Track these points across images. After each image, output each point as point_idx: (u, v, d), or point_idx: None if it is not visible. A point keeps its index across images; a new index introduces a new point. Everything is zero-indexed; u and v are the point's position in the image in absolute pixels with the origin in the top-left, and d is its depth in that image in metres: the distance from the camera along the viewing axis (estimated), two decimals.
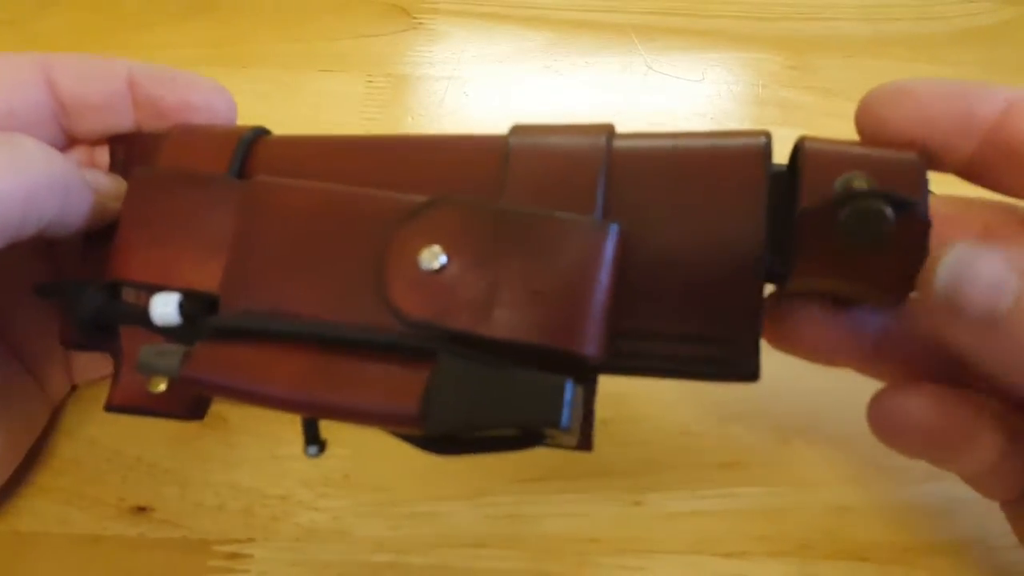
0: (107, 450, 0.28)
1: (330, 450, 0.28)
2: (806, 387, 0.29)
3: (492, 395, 0.18)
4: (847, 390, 0.29)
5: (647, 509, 0.27)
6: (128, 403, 0.23)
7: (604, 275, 0.19)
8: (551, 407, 0.18)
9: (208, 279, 0.21)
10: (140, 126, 0.26)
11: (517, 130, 0.22)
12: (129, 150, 0.26)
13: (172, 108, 0.25)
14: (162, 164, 0.24)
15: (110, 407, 0.23)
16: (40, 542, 0.26)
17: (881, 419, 0.22)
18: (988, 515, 0.26)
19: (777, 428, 0.28)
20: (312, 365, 0.19)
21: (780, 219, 0.20)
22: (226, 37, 0.39)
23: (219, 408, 0.29)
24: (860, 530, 0.26)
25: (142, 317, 0.21)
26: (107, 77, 0.25)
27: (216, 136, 0.24)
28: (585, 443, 0.20)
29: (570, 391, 0.18)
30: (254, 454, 0.28)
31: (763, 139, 0.20)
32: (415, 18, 0.40)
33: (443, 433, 0.19)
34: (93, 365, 0.28)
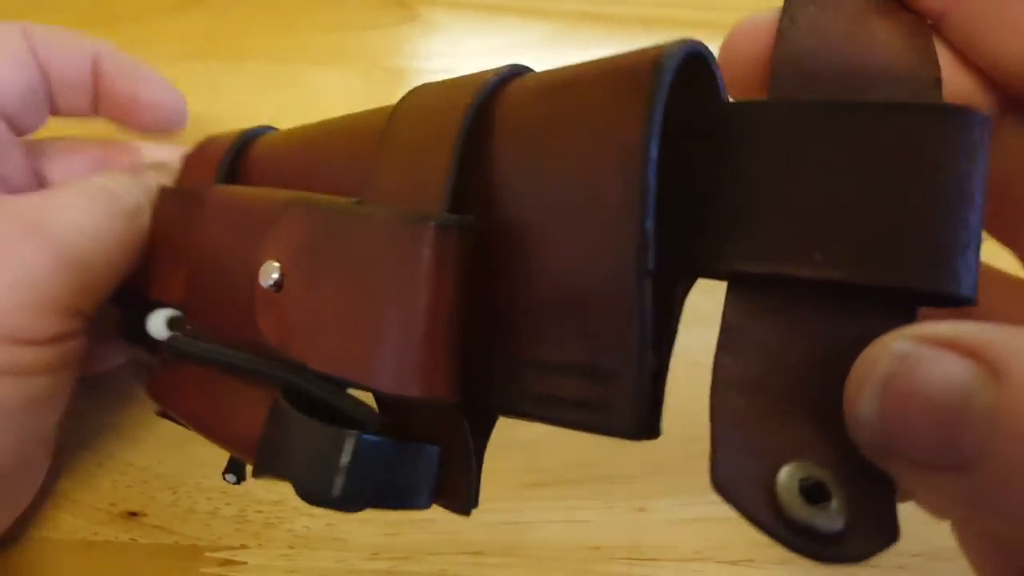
0: (98, 454, 0.28)
1: None
2: None
3: (288, 442, 0.16)
4: None
5: (651, 516, 0.26)
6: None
7: (423, 293, 0.14)
8: (322, 474, 0.14)
9: (177, 294, 0.22)
10: (97, 111, 0.26)
11: (416, 89, 0.18)
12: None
13: (122, 99, 0.26)
14: (180, 178, 0.24)
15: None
16: (31, 547, 0.26)
17: None
18: None
19: None
20: (213, 386, 0.19)
21: (699, 174, 0.15)
22: (219, 30, 0.38)
23: None
24: None
25: (144, 335, 0.22)
26: (80, 55, 0.26)
27: (215, 146, 0.24)
28: (461, 499, 0.16)
29: (348, 454, 0.14)
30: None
31: (669, 49, 0.13)
32: (412, 10, 0.39)
33: (265, 476, 0.16)
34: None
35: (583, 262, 0.14)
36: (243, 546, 0.26)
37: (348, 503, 0.15)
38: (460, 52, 0.38)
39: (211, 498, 0.27)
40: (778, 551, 0.25)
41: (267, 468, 0.16)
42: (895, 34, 0.15)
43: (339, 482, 0.14)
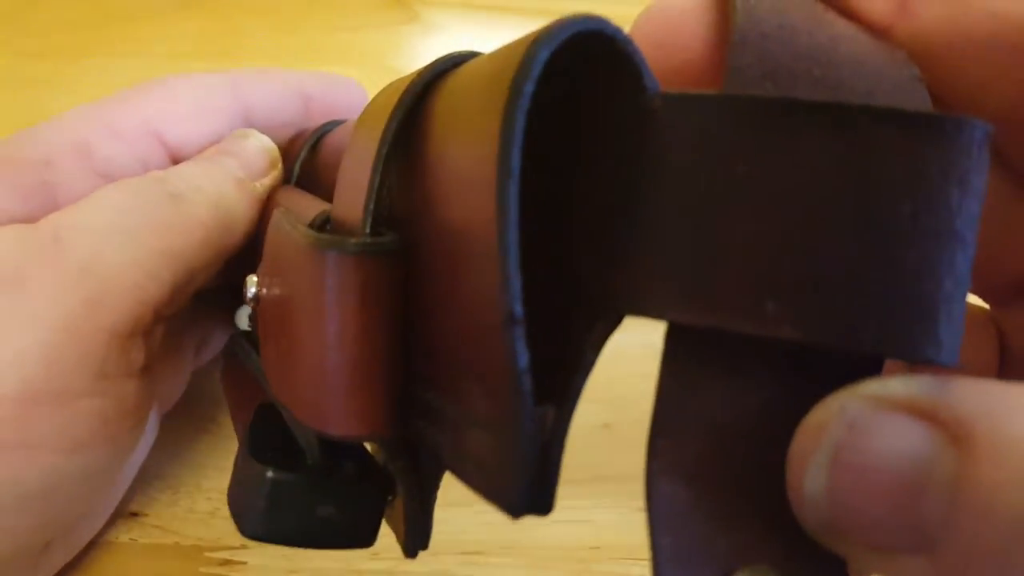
0: None
1: None
2: None
3: (239, 479, 0.16)
4: None
5: None
6: None
7: (331, 325, 0.13)
8: (247, 509, 0.15)
9: None
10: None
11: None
12: None
13: (343, 113, 0.24)
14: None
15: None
16: None
17: None
18: None
19: None
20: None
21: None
22: (218, 30, 0.38)
23: (212, 412, 0.28)
24: None
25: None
26: (288, 94, 0.25)
27: (295, 143, 0.23)
28: (413, 541, 0.15)
29: (264, 493, 0.14)
30: None
31: (544, 35, 0.11)
32: (413, 11, 0.39)
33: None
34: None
35: (459, 301, 0.12)
36: (243, 546, 0.26)
37: (273, 540, 0.14)
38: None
39: (211, 498, 0.27)
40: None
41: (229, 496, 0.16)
42: (857, 29, 0.13)
43: (257, 519, 0.14)
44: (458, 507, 0.26)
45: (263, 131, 0.24)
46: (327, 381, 0.13)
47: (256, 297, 0.16)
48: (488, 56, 0.12)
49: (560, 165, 0.13)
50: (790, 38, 0.12)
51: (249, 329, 0.20)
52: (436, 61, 0.14)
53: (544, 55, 0.11)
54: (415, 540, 0.15)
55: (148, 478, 0.27)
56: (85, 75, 0.37)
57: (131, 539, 0.26)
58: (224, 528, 0.26)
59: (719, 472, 0.11)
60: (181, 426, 0.27)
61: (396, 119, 0.14)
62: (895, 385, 0.10)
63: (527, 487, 0.11)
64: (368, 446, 0.17)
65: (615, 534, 0.26)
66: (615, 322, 0.12)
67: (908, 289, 0.10)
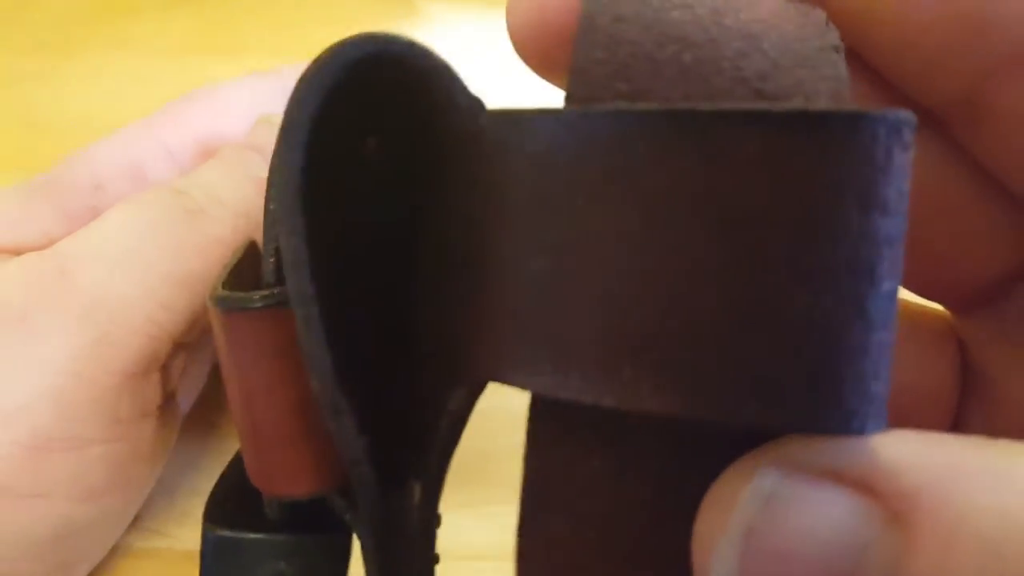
0: None
1: None
2: None
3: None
4: None
5: None
6: None
7: (244, 382, 0.12)
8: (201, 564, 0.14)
9: None
10: None
11: None
12: None
13: None
14: None
15: None
16: None
17: None
18: None
19: None
20: None
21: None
22: (215, 24, 0.38)
23: (208, 414, 0.28)
24: None
25: None
26: None
27: None
28: None
29: (208, 551, 0.14)
30: None
31: (310, 73, 0.10)
32: (412, 5, 0.39)
33: None
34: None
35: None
36: None
37: None
38: (460, 47, 0.38)
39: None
40: None
41: None
42: None
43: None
44: (458, 509, 0.26)
45: None
46: (259, 440, 0.13)
47: None
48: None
49: (410, 213, 0.11)
50: (656, 16, 0.09)
51: None
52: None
53: (304, 118, 0.09)
54: None
55: None
56: (80, 71, 0.36)
57: (126, 543, 0.26)
58: None
59: (604, 569, 0.09)
60: (180, 430, 0.26)
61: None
62: (821, 447, 0.08)
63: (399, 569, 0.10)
64: None
65: None
66: (477, 389, 0.11)
67: (796, 347, 0.08)
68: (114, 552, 0.25)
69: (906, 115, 0.08)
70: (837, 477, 0.08)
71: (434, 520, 0.11)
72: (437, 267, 0.11)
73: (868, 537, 0.08)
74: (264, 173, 0.20)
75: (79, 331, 0.17)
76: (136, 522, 0.26)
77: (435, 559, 0.11)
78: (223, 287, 0.13)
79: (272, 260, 0.12)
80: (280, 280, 0.12)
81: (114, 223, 0.19)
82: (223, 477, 0.16)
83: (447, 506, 0.27)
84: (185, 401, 0.24)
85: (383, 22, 0.38)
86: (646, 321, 0.08)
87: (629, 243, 0.08)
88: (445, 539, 0.26)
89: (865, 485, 0.08)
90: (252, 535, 0.14)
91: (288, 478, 0.13)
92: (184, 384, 0.23)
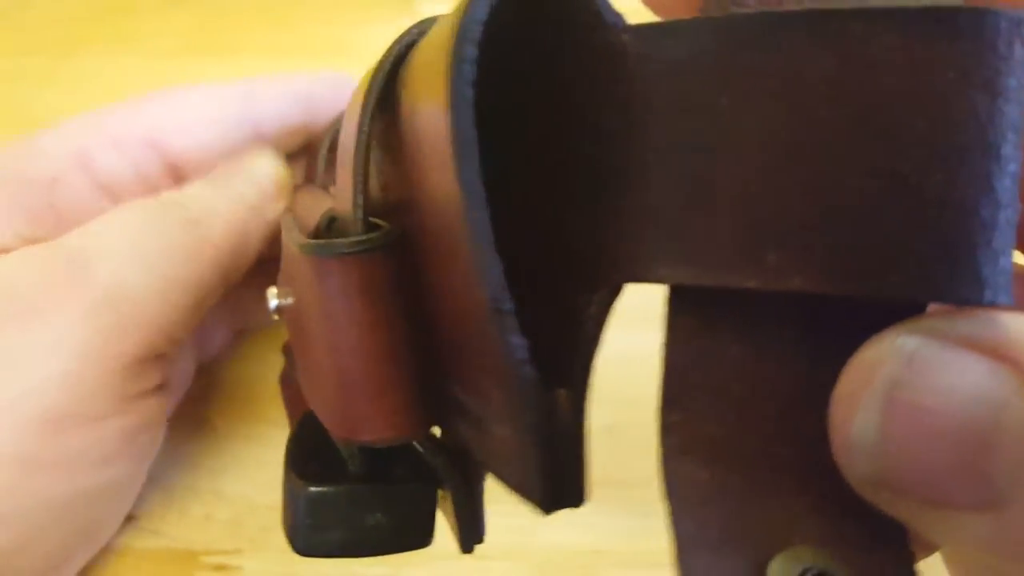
0: None
1: None
2: None
3: (285, 495, 0.16)
4: None
5: (658, 521, 0.25)
6: None
7: (337, 329, 0.13)
8: (291, 527, 0.15)
9: None
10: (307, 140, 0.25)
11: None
12: None
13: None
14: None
15: None
16: None
17: None
18: None
19: None
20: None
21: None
22: (213, 24, 0.38)
23: (207, 413, 0.28)
24: None
25: None
26: (295, 100, 0.24)
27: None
28: (468, 537, 0.15)
29: (302, 508, 0.14)
30: (243, 461, 0.27)
31: None
32: (410, 4, 0.39)
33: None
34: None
35: (450, 290, 0.11)
36: (238, 550, 0.25)
37: (324, 554, 0.14)
38: None
39: (206, 502, 0.26)
40: None
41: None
42: None
43: (303, 535, 0.14)
44: None
45: (272, 139, 0.24)
46: (345, 387, 0.13)
47: (278, 308, 0.16)
48: (441, 19, 0.11)
49: (543, 127, 0.12)
50: None
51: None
52: (403, 34, 0.13)
53: (481, 13, 0.10)
54: (468, 535, 0.15)
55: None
56: (79, 70, 0.36)
57: (125, 543, 0.25)
58: (219, 532, 0.26)
59: (742, 446, 0.10)
60: (176, 428, 0.26)
61: (371, 102, 0.13)
62: (960, 321, 0.09)
63: (550, 479, 0.11)
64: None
65: (618, 539, 0.25)
66: (615, 292, 0.11)
67: (934, 221, 0.09)
68: (113, 551, 0.25)
69: (1020, 11, 0.08)
70: (974, 345, 0.09)
71: (583, 427, 0.11)
72: (574, 180, 0.11)
73: (1004, 399, 0.08)
74: (253, 200, 0.22)
75: (93, 318, 0.19)
76: (133, 521, 0.26)
77: (584, 466, 0.11)
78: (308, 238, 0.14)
79: (360, 205, 0.13)
80: (369, 227, 0.13)
81: (121, 224, 0.20)
82: (296, 438, 0.17)
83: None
84: (174, 390, 0.25)
85: (381, 22, 0.38)
86: (791, 207, 0.09)
87: (773, 135, 0.09)
88: (445, 540, 0.26)
89: (1000, 353, 0.08)
90: (347, 487, 0.15)
91: (375, 424, 0.13)
92: (174, 375, 0.24)
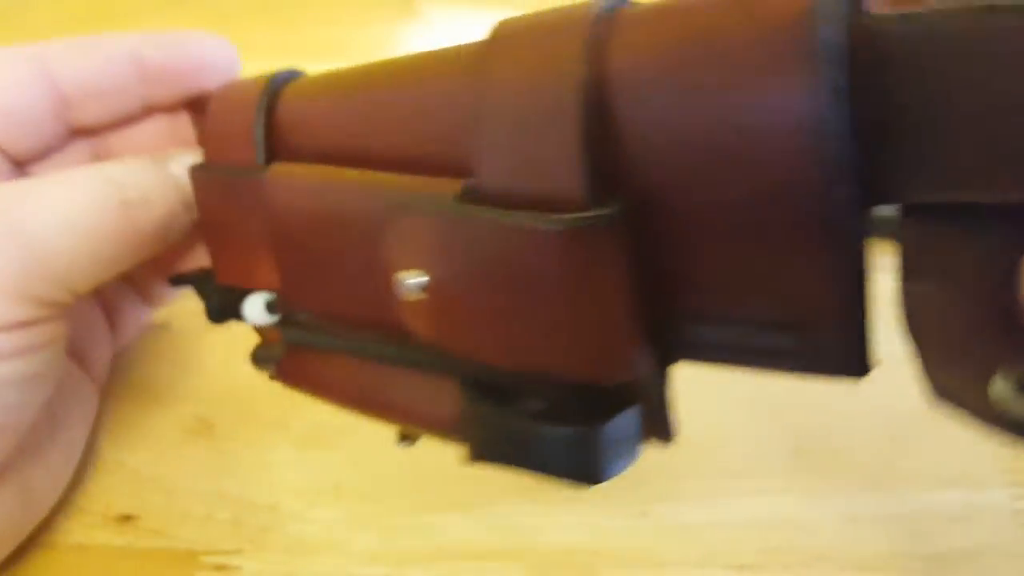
0: (92, 457, 0.27)
1: (322, 457, 0.27)
2: (817, 393, 0.28)
3: (518, 441, 0.17)
4: (860, 398, 0.28)
5: (654, 520, 0.26)
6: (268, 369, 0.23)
7: (592, 292, 0.14)
8: (580, 466, 0.16)
9: (269, 280, 0.21)
10: (148, 101, 0.25)
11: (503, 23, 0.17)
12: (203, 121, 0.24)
13: (186, 74, 0.24)
14: (204, 147, 0.22)
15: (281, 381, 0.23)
16: (25, 551, 0.25)
17: None
18: (1006, 522, 0.25)
19: (790, 436, 0.27)
20: (366, 373, 0.20)
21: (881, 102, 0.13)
22: (215, 25, 0.38)
23: (207, 413, 0.28)
24: (876, 540, 0.25)
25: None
26: (109, 59, 0.24)
27: (239, 108, 0.21)
28: (664, 435, 0.17)
29: (601, 436, 0.15)
30: (243, 462, 0.27)
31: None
32: (411, 6, 0.39)
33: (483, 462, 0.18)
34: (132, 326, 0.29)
35: (764, 223, 0.13)
36: (238, 550, 0.25)
37: (606, 479, 0.16)
38: None
39: (206, 502, 0.26)
40: (785, 556, 0.25)
41: (501, 458, 0.17)
42: None
43: (603, 469, 0.16)
44: (457, 511, 0.26)
45: (92, 101, 0.24)
46: (598, 339, 0.15)
47: (423, 287, 0.16)
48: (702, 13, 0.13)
49: None
50: None
51: (270, 319, 0.22)
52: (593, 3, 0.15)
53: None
54: (672, 432, 0.17)
55: (142, 480, 0.27)
56: None
57: (125, 543, 0.26)
58: (219, 532, 0.26)
59: (967, 309, 0.13)
60: (174, 429, 0.26)
61: (584, 72, 0.14)
62: None
63: (862, 351, 0.13)
64: None
65: (617, 539, 0.25)
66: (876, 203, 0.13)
67: None
68: (114, 552, 0.25)
69: None
70: None
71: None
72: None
73: None
74: (185, 193, 0.23)
75: (11, 244, 0.20)
76: (135, 521, 0.26)
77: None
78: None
79: (588, 177, 0.14)
80: (596, 200, 0.14)
81: (64, 196, 0.21)
82: (490, 410, 0.17)
83: (446, 509, 0.27)
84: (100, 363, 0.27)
85: (383, 23, 0.38)
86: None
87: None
88: (445, 540, 0.26)
89: None
90: (601, 423, 0.16)
91: (621, 364, 0.15)
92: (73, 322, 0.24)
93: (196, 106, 0.25)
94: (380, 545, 0.25)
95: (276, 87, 0.21)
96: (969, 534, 0.25)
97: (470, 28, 0.40)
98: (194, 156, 0.23)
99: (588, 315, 0.15)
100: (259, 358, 0.23)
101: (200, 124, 0.25)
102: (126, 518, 0.26)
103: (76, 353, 0.26)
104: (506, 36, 0.16)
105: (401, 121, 0.18)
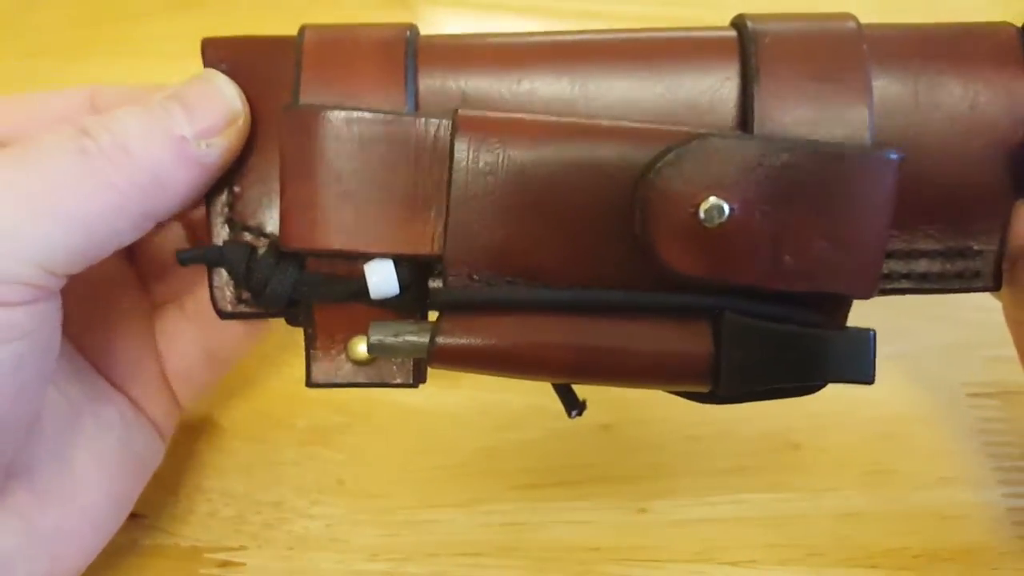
0: None
1: (325, 456, 0.28)
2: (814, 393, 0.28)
3: (791, 355, 0.18)
4: (855, 395, 0.28)
5: (652, 516, 0.26)
6: (334, 379, 0.20)
7: (889, 214, 0.18)
8: (861, 366, 0.18)
9: (416, 239, 0.19)
10: None
11: (749, 18, 0.20)
12: (234, 57, 0.22)
13: None
14: (307, 86, 0.19)
15: (315, 384, 0.20)
16: None
17: None
18: (999, 520, 0.26)
19: (785, 433, 0.28)
20: (579, 326, 0.19)
21: None
22: (217, 29, 0.38)
23: (211, 412, 0.28)
24: (869, 536, 0.26)
25: (355, 291, 0.19)
26: (61, 112, 0.22)
27: (372, 45, 0.20)
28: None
29: (873, 349, 0.18)
30: (246, 460, 0.27)
31: (1012, 28, 0.20)
32: (413, 10, 0.39)
33: (736, 392, 0.19)
34: (195, 381, 0.26)
35: (963, 176, 0.19)
36: (242, 547, 0.26)
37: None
38: None
39: (210, 499, 0.27)
40: (780, 552, 0.25)
41: (753, 380, 0.19)
42: None
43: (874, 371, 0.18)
44: (457, 508, 0.26)
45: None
46: (879, 254, 0.18)
47: (727, 219, 0.18)
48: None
49: None
50: None
51: (397, 292, 0.19)
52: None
53: None
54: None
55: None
56: (85, 74, 0.37)
57: (131, 540, 0.26)
58: (223, 529, 0.26)
59: None
60: (181, 428, 0.27)
61: (866, 52, 0.19)
62: None
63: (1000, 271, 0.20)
64: None
65: (615, 535, 0.26)
66: None
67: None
68: (119, 550, 0.25)
69: None
70: None
71: None
72: None
73: None
74: (186, 131, 0.19)
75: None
76: (141, 519, 0.26)
77: None
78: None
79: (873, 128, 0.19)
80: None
81: (4, 157, 0.18)
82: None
83: (445, 506, 0.27)
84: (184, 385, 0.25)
85: None
86: None
87: None
88: (444, 538, 0.27)
89: None
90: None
91: (876, 280, 0.18)
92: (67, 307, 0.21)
93: None
94: (381, 541, 0.26)
95: (416, 33, 0.21)
96: (963, 532, 0.26)
97: (469, 30, 0.40)
98: (203, 95, 0.20)
99: (881, 232, 0.18)
100: (381, 343, 0.19)
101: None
102: (131, 515, 0.26)
103: (136, 399, 0.24)
104: (770, 23, 0.20)
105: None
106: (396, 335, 0.19)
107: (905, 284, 0.20)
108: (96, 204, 0.18)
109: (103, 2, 0.40)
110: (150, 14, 0.39)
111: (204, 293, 0.22)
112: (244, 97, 0.20)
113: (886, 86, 0.19)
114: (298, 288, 0.20)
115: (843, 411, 0.28)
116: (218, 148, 0.19)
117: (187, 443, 0.28)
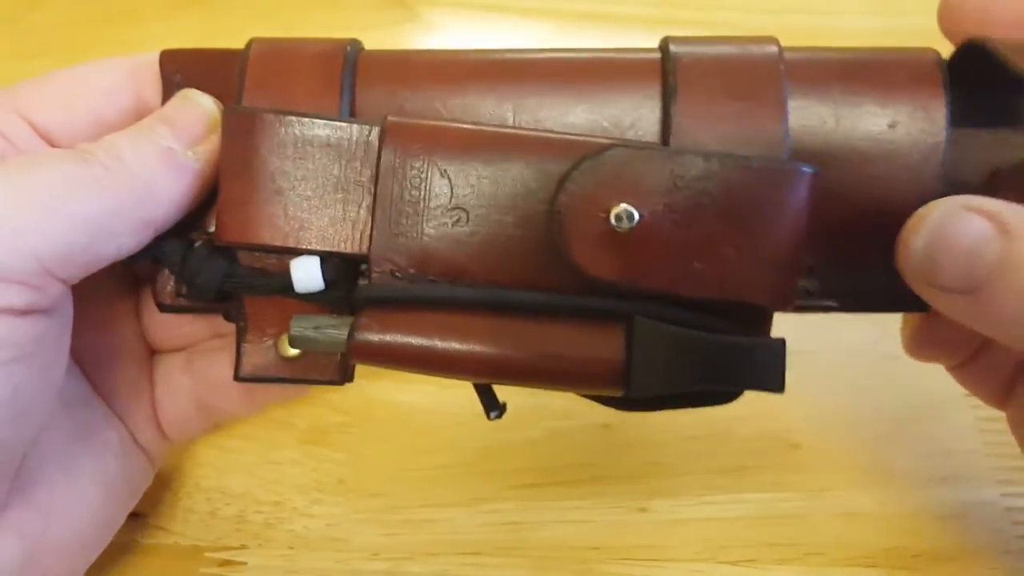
0: None
1: (325, 455, 0.28)
2: (814, 391, 0.28)
3: (701, 359, 0.18)
4: (855, 395, 0.28)
5: (651, 515, 0.26)
6: (263, 372, 0.21)
7: (802, 227, 0.18)
8: (772, 374, 0.18)
9: (344, 238, 0.20)
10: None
11: (673, 40, 0.21)
12: (187, 68, 0.22)
13: None
14: (249, 93, 0.21)
15: (242, 378, 0.21)
16: None
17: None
18: (998, 520, 0.26)
19: (785, 433, 0.28)
20: (496, 327, 0.19)
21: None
22: (218, 30, 0.38)
23: None
24: (869, 536, 0.26)
25: (281, 285, 0.20)
26: (81, 115, 0.22)
27: (311, 56, 0.21)
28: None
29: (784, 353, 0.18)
30: (247, 459, 0.28)
31: (933, 54, 0.20)
32: (413, 10, 0.39)
33: (645, 396, 0.19)
34: (185, 428, 0.26)
35: (887, 193, 0.19)
36: (243, 546, 0.26)
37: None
38: None
39: (211, 499, 0.27)
40: (779, 551, 0.25)
41: (662, 384, 0.18)
42: None
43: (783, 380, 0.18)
44: (458, 508, 0.26)
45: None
46: (794, 265, 0.18)
47: (637, 219, 0.18)
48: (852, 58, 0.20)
49: None
50: None
51: (322, 288, 0.20)
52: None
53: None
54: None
55: None
56: None
57: (132, 539, 0.26)
58: (223, 529, 0.26)
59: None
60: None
61: (783, 73, 0.20)
62: (975, 199, 0.18)
63: None
64: None
65: (615, 534, 0.26)
66: None
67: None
68: (119, 549, 0.25)
69: None
70: (979, 211, 0.17)
71: None
72: None
73: (988, 237, 0.17)
74: (171, 144, 0.20)
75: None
76: (140, 518, 0.26)
77: None
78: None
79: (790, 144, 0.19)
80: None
81: (9, 164, 0.19)
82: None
83: (445, 505, 0.27)
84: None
85: (384, 27, 0.39)
86: None
87: None
88: (444, 537, 0.27)
89: (991, 215, 0.17)
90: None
91: (792, 291, 0.19)
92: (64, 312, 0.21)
93: None
94: (382, 541, 0.26)
95: (357, 48, 0.22)
96: (963, 532, 0.26)
97: (470, 32, 0.41)
98: (181, 110, 0.21)
99: (793, 244, 0.18)
100: (302, 336, 0.20)
101: None
102: (132, 515, 0.26)
103: (128, 423, 0.25)
104: (682, 42, 0.21)
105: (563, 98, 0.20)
106: (316, 328, 0.19)
107: (828, 303, 0.20)
108: (94, 205, 0.19)
109: (103, 2, 0.40)
110: (150, 14, 0.39)
111: (205, 348, 0.22)
112: (220, 104, 0.21)
113: (806, 106, 0.19)
114: (227, 280, 0.20)
115: (843, 411, 0.28)
116: (204, 154, 0.21)
117: (187, 444, 0.28)
